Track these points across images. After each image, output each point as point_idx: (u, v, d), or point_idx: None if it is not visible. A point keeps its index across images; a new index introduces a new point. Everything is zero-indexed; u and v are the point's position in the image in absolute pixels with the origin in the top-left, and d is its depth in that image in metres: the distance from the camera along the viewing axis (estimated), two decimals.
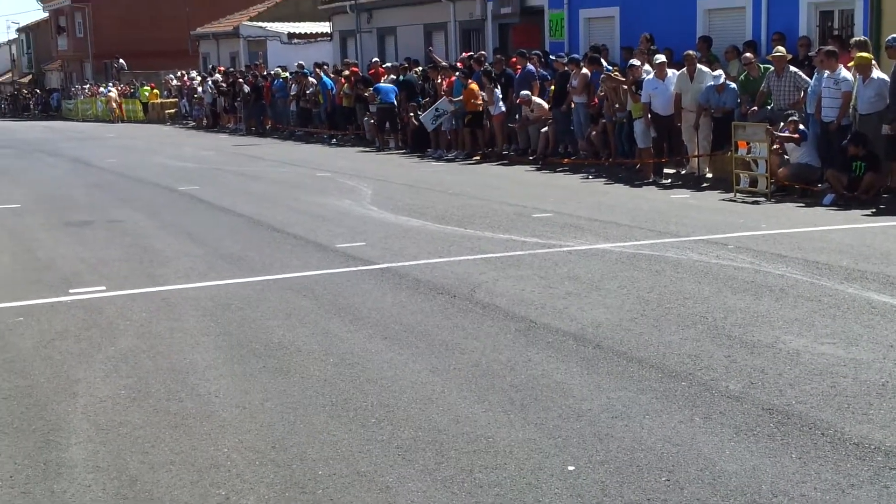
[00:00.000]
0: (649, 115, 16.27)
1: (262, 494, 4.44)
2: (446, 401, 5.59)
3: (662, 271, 8.88)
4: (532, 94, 19.76)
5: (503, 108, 20.60)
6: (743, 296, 7.87)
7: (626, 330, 6.94)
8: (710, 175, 16.01)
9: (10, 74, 78.16)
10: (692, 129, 16.00)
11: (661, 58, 16.46)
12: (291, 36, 40.06)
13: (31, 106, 61.98)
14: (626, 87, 17.01)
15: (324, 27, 38.57)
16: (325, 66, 29.01)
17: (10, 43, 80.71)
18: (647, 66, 17.09)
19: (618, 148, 17.80)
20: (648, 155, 16.64)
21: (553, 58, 20.65)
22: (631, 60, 17.44)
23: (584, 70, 18.66)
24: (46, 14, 66.86)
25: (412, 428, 5.17)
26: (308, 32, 40.19)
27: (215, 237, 11.48)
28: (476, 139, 21.39)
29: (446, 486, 4.47)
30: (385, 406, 5.52)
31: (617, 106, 17.34)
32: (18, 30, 75.14)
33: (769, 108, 14.97)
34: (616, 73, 17.71)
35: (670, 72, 16.25)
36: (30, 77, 71.11)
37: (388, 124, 24.31)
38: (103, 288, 8.80)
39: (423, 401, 5.59)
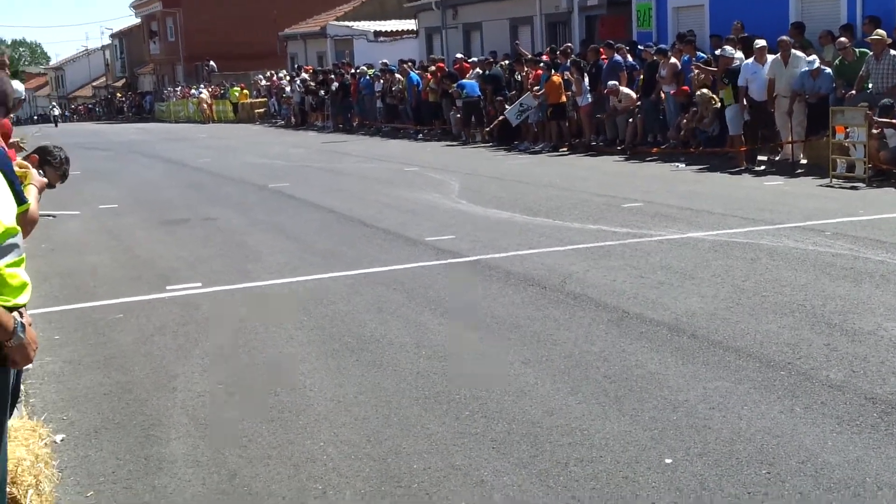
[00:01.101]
0: (744, 101, 15.99)
1: (358, 488, 4.46)
2: (539, 393, 5.55)
3: (758, 259, 8.70)
4: (620, 84, 19.56)
5: (590, 99, 20.43)
6: (842, 283, 7.67)
7: (722, 319, 6.81)
8: (804, 161, 15.66)
9: (104, 79, 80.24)
10: (786, 115, 15.67)
11: (761, 42, 16.12)
12: (377, 34, 40.32)
13: (125, 109, 63.52)
14: (716, 75, 16.75)
15: (409, 24, 38.73)
16: (411, 63, 29.12)
17: (104, 48, 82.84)
18: (738, 54, 16.78)
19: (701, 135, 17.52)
20: (740, 142, 16.33)
21: (641, 48, 20.43)
22: (722, 48, 17.12)
23: (673, 59, 18.43)
24: (139, 20, 68.46)
25: (506, 421, 5.15)
26: (394, 30, 40.40)
27: (306, 233, 11.60)
28: (562, 131, 21.26)
29: (542, 479, 4.44)
30: (478, 399, 5.50)
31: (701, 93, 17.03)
32: (112, 35, 77.05)
33: (868, 91, 14.57)
34: (709, 60, 17.44)
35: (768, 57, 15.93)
36: (123, 81, 72.89)
37: (473, 118, 24.31)
38: (199, 284, 8.96)
39: (516, 393, 5.56)
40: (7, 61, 6.45)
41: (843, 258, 8.54)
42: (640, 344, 6.37)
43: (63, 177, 5.88)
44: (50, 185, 5.94)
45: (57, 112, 62.65)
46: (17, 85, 6.74)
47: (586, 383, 5.66)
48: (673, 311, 7.12)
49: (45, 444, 4.75)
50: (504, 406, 5.36)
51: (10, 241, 2.81)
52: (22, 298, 2.85)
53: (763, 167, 15.81)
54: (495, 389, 5.64)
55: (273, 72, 43.66)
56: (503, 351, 6.40)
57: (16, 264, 2.83)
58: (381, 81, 29.91)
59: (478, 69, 25.16)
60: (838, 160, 13.83)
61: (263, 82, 43.85)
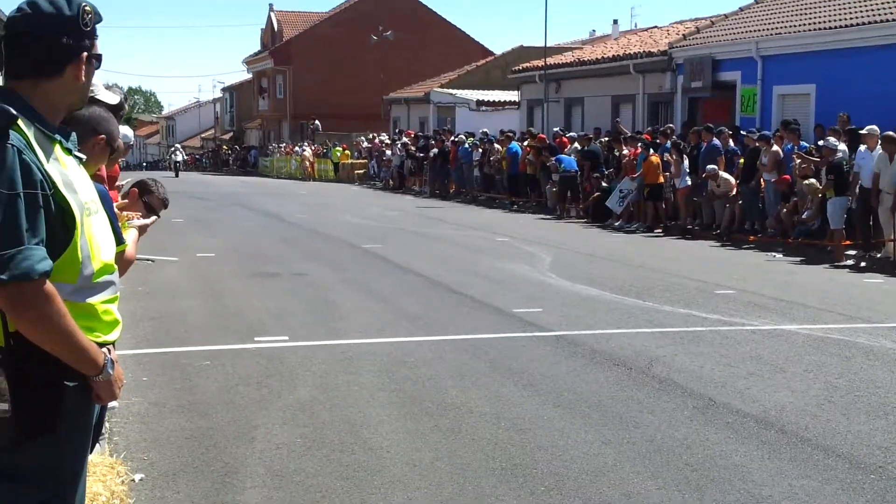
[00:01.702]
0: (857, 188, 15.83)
1: None
2: (618, 475, 5.45)
3: (853, 357, 8.47)
4: (718, 168, 19.41)
5: (689, 182, 20.30)
6: None
7: (812, 416, 6.63)
8: None
9: (213, 131, 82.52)
10: (889, 211, 15.32)
11: (874, 129, 15.87)
12: (480, 103, 40.78)
13: (231, 161, 65.09)
14: (818, 166, 16.53)
15: (512, 95, 39.11)
16: (511, 133, 29.35)
17: (215, 101, 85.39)
18: (842, 146, 16.55)
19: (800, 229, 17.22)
20: (841, 236, 16.01)
21: (744, 133, 20.28)
22: (825, 138, 16.90)
23: (775, 147, 18.25)
24: (250, 75, 70.41)
25: (582, 499, 5.06)
26: (496, 101, 40.83)
27: (395, 295, 11.67)
28: (658, 212, 21.12)
29: None
30: (555, 475, 5.43)
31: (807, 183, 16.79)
32: (223, 89, 79.41)
33: None
34: (811, 150, 17.22)
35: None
36: (231, 134, 74.85)
37: (569, 193, 24.32)
38: (286, 338, 9.07)
39: (594, 472, 5.47)
40: (124, 103, 6.63)
41: None
42: (725, 434, 6.22)
43: (165, 202, 6.01)
44: (154, 212, 6.07)
45: (180, 158, 57.11)
46: (127, 130, 6.95)
47: (667, 469, 5.54)
48: (761, 403, 6.95)
49: (123, 481, 4.83)
50: (581, 485, 5.28)
51: (108, 277, 2.89)
52: (113, 335, 2.91)
53: (863, 264, 15.45)
54: (573, 467, 5.56)
55: (375, 134, 44.41)
56: (584, 429, 6.31)
57: (110, 301, 2.90)
58: (480, 150, 30.18)
59: (576, 144, 25.23)
60: None
61: (365, 144, 44.60)
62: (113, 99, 5.21)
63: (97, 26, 2.87)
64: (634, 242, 18.78)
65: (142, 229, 4.85)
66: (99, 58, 2.91)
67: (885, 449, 5.91)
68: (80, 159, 2.95)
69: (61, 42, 2.79)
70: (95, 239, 2.82)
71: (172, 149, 58.40)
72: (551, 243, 17.70)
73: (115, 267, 2.95)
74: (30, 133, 2.71)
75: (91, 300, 2.82)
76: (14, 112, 2.67)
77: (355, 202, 29.70)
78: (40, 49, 2.78)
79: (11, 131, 2.64)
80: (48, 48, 2.79)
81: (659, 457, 5.76)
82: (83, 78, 2.85)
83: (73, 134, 2.97)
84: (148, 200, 5.66)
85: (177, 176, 48.39)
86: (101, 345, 2.83)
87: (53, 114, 2.85)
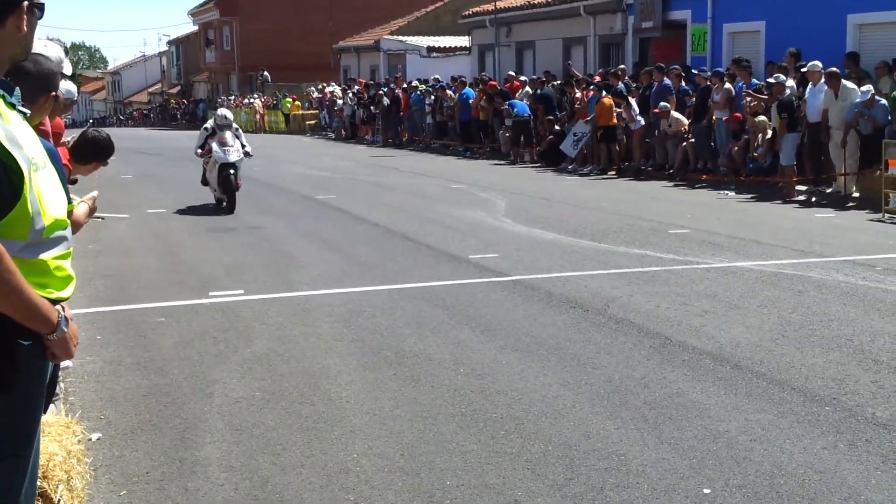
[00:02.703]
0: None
1: (389, 501, 4.43)
2: (577, 416, 5.49)
3: (805, 291, 8.57)
4: (670, 108, 19.44)
5: (642, 123, 20.33)
6: (891, 319, 7.52)
7: (767, 351, 6.70)
8: (857, 195, 15.43)
9: (160, 85, 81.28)
10: (838, 146, 15.47)
11: (816, 64, 15.92)
12: (430, 49, 40.43)
13: (179, 116, 64.22)
14: (767, 103, 16.60)
15: (463, 41, 38.81)
16: (463, 79, 29.16)
17: (161, 55, 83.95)
18: (790, 82, 16.63)
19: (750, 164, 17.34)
20: (792, 172, 16.15)
21: (695, 72, 20.30)
22: (776, 75, 16.96)
23: (727, 85, 18.29)
24: (196, 27, 69.26)
25: (542, 442, 5.09)
26: (447, 46, 40.49)
27: (350, 245, 11.62)
28: (611, 154, 21.16)
29: (576, 502, 4.38)
30: (515, 418, 5.45)
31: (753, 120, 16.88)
32: (169, 42, 78.06)
33: None
34: (761, 87, 17.30)
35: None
36: (178, 88, 73.76)
37: (523, 138, 24.27)
38: (241, 292, 8.99)
39: (553, 415, 5.50)
40: (63, 59, 6.46)
41: (893, 294, 8.38)
42: (681, 372, 6.28)
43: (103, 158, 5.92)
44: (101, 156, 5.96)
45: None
46: (70, 86, 6.80)
47: (625, 409, 5.58)
48: (717, 340, 7.02)
49: (79, 441, 4.77)
50: (541, 427, 5.30)
51: (59, 233, 2.83)
52: (66, 292, 2.86)
53: (814, 199, 15.61)
54: (533, 410, 5.58)
55: (325, 84, 43.96)
56: (542, 372, 6.34)
57: (63, 257, 2.84)
58: (433, 97, 29.98)
59: (528, 88, 25.13)
60: (891, 194, 13.61)
61: (315, 94, 44.16)
62: (55, 53, 5.08)
63: None
64: (588, 185, 18.83)
65: (92, 208, 4.77)
66: (41, 7, 2.83)
67: (839, 381, 6.00)
68: (24, 114, 2.87)
69: None
70: (44, 194, 2.76)
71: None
72: (506, 188, 17.69)
73: (68, 222, 2.90)
74: None
75: (43, 256, 2.77)
76: None
77: (307, 153, 29.46)
78: None
79: None
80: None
81: (617, 397, 5.80)
82: (24, 28, 2.76)
83: (17, 88, 2.89)
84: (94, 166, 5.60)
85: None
86: (55, 301, 2.79)
87: (2, 67, 2.78)
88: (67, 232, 2.89)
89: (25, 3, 2.75)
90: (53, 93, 3.83)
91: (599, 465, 4.77)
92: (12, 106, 2.80)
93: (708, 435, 5.13)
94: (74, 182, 5.83)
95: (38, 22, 2.86)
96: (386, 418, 5.51)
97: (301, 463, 4.88)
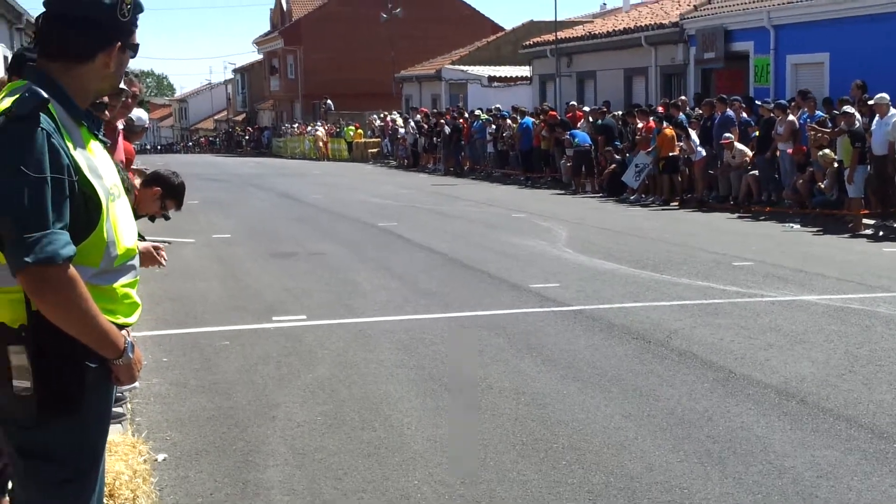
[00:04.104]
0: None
1: None
2: (639, 448, 5.44)
3: (873, 327, 8.42)
4: (734, 139, 19.29)
5: (703, 153, 20.19)
6: None
7: (833, 386, 6.60)
8: None
9: (225, 113, 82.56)
10: None
11: (884, 97, 15.70)
12: (492, 79, 40.62)
13: (244, 143, 65.13)
14: (831, 136, 16.42)
15: (524, 71, 38.94)
16: (523, 108, 29.23)
17: (226, 83, 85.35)
18: (858, 114, 16.42)
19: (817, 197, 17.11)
20: (859, 205, 15.92)
21: (759, 103, 20.12)
22: (844, 108, 16.74)
23: (791, 117, 18.12)
24: (261, 56, 70.32)
25: (604, 473, 5.05)
26: (508, 76, 40.66)
27: (412, 272, 11.67)
28: (674, 184, 21.03)
29: None
30: (576, 449, 5.42)
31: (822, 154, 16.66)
32: (234, 70, 79.32)
33: None
34: (825, 120, 17.11)
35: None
36: (243, 115, 74.86)
37: (584, 167, 24.23)
38: (304, 317, 9.08)
39: (615, 446, 5.47)
40: (139, 93, 6.67)
41: None
42: (746, 406, 6.20)
43: (178, 205, 6.06)
44: (165, 216, 6.11)
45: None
46: (141, 113, 6.96)
47: (688, 442, 5.53)
48: (782, 374, 6.92)
49: (145, 461, 4.86)
50: (602, 458, 5.27)
51: (129, 262, 2.90)
52: (132, 318, 2.92)
53: (881, 233, 15.36)
54: (594, 441, 5.55)
55: (387, 113, 44.32)
56: (604, 403, 6.30)
57: (131, 285, 2.91)
58: (493, 126, 30.08)
59: (589, 118, 25.11)
60: None
61: (378, 122, 44.53)
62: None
63: (137, 17, 2.87)
64: (650, 216, 18.72)
65: (148, 250, 4.80)
66: (135, 48, 2.91)
67: None
68: (105, 143, 2.95)
69: (97, 29, 2.78)
70: (119, 223, 2.83)
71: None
72: (567, 218, 17.65)
73: (137, 251, 2.96)
74: (59, 116, 2.72)
75: (113, 283, 2.83)
76: (46, 95, 2.68)
77: (370, 181, 29.69)
78: (75, 33, 2.77)
79: (42, 114, 2.64)
80: (84, 33, 2.77)
81: (680, 429, 5.75)
82: (112, 67, 2.84)
83: (101, 119, 2.98)
84: (166, 206, 5.72)
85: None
86: (121, 327, 2.84)
87: (83, 98, 2.85)
88: (136, 261, 2.95)
89: (119, 43, 2.82)
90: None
91: (662, 497, 4.73)
92: (95, 136, 2.87)
93: (773, 470, 5.06)
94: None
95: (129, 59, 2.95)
96: (446, 446, 5.52)
97: (362, 488, 4.91)
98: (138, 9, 2.85)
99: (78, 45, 2.78)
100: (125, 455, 4.70)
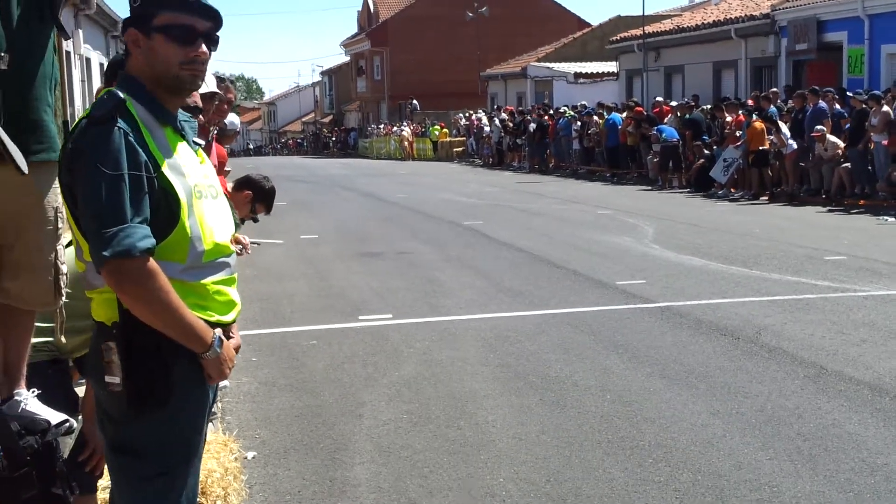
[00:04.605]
0: None
1: None
2: (728, 445, 5.37)
3: None
4: (826, 131, 18.87)
5: (794, 146, 19.79)
6: None
7: None
8: None
9: (313, 115, 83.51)
10: None
11: None
12: (578, 76, 40.36)
13: (331, 144, 65.85)
14: None
15: (610, 66, 38.63)
16: (614, 105, 29.00)
17: (314, 85, 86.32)
18: None
19: None
20: None
21: (850, 94, 19.64)
22: None
23: (886, 108, 17.64)
24: (348, 58, 70.98)
25: (691, 471, 5.00)
26: (594, 72, 40.36)
27: (497, 270, 11.68)
28: (763, 178, 20.65)
29: None
30: (663, 446, 5.37)
31: None
32: (322, 73, 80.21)
33: None
34: None
35: None
36: (330, 117, 75.65)
37: (671, 163, 23.95)
38: (390, 316, 9.15)
39: (702, 443, 5.40)
40: (234, 99, 6.83)
41: None
42: (837, 402, 6.07)
43: (268, 209, 6.19)
44: (254, 219, 6.25)
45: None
46: (233, 117, 7.10)
47: (778, 439, 5.44)
48: (875, 370, 6.76)
49: (236, 458, 4.95)
50: (690, 456, 5.21)
51: (222, 259, 2.93)
52: (228, 316, 2.96)
53: None
54: (681, 439, 5.49)
55: (472, 111, 44.36)
56: (691, 400, 6.23)
57: (225, 282, 2.95)
58: (579, 123, 29.90)
59: (677, 112, 24.80)
60: None
61: (463, 122, 44.60)
62: (205, 87, 5.38)
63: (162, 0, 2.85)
64: (740, 210, 18.42)
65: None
66: (169, 30, 2.82)
67: None
68: (199, 145, 3.02)
69: (125, 21, 2.90)
70: (207, 221, 2.87)
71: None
72: (654, 214, 17.47)
73: (232, 249, 3.00)
74: (141, 116, 2.80)
75: (203, 280, 2.88)
76: (122, 96, 2.79)
77: (455, 180, 29.76)
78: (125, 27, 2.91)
79: (120, 114, 2.74)
80: (124, 27, 2.91)
81: (769, 427, 5.66)
82: (158, 53, 2.82)
83: (194, 121, 3.05)
84: (256, 209, 5.86)
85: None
86: (216, 324, 2.89)
87: (162, 94, 2.88)
88: (231, 259, 2.99)
89: (131, 29, 2.86)
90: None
91: (751, 496, 4.66)
92: (182, 137, 2.94)
93: (865, 468, 4.95)
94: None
95: (212, 54, 2.96)
96: (532, 444, 5.52)
97: (448, 486, 4.94)
98: None
99: (125, 39, 2.91)
100: (217, 453, 4.80)
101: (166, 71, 2.86)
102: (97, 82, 23.97)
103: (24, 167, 2.99)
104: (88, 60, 23.00)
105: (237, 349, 3.03)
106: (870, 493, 4.63)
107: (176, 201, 2.79)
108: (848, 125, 18.95)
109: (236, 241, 5.00)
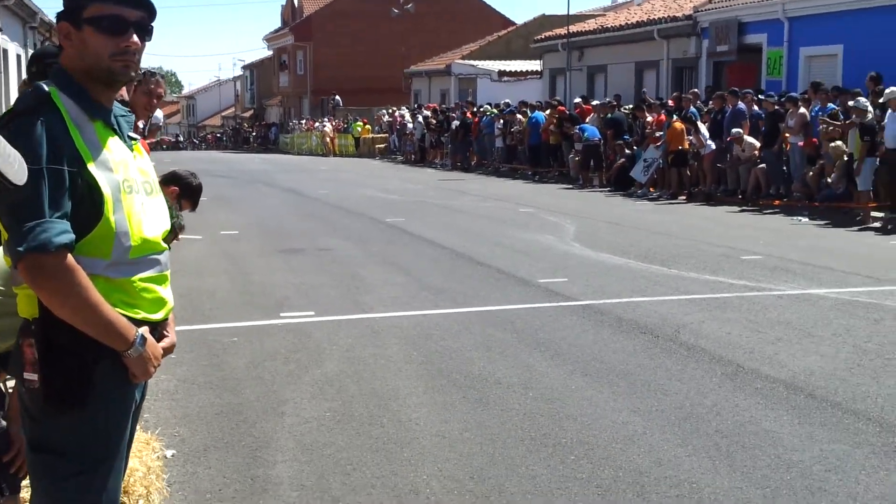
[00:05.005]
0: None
1: None
2: (648, 442, 5.44)
3: (882, 320, 8.40)
4: (743, 132, 19.25)
5: (713, 147, 20.15)
6: None
7: (842, 380, 6.58)
8: None
9: (233, 109, 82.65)
10: None
11: (894, 90, 15.66)
12: (502, 74, 40.61)
13: (251, 139, 65.21)
14: (843, 129, 16.34)
15: (534, 65, 38.91)
16: (539, 103, 29.19)
17: (235, 79, 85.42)
18: (869, 106, 16.36)
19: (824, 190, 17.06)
20: (868, 198, 15.87)
21: (761, 97, 20.04)
22: (856, 99, 16.65)
23: (802, 109, 18.05)
24: (270, 52, 70.39)
25: (612, 468, 5.05)
26: (518, 70, 40.63)
27: (419, 268, 11.67)
28: (682, 178, 21.00)
29: None
30: (585, 444, 5.42)
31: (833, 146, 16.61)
32: (244, 67, 79.39)
33: None
34: (837, 112, 17.04)
35: None
36: (251, 112, 74.94)
37: (592, 162, 24.21)
38: (312, 313, 9.09)
39: (623, 440, 5.46)
40: (163, 94, 6.67)
41: None
42: (754, 400, 6.20)
43: (194, 206, 6.09)
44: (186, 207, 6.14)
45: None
46: (157, 112, 6.98)
47: (697, 436, 5.53)
48: (790, 368, 6.91)
49: (158, 457, 4.87)
50: (611, 453, 5.27)
51: (151, 256, 2.87)
52: (157, 315, 2.90)
53: (890, 226, 15.31)
54: (603, 436, 5.55)
55: (395, 108, 44.33)
56: (612, 398, 6.30)
57: (153, 280, 2.88)
58: (502, 121, 30.06)
59: (599, 112, 25.08)
60: None
61: (386, 118, 44.55)
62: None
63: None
64: (659, 210, 18.70)
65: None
66: (97, 22, 2.76)
67: None
68: (133, 139, 2.95)
69: (58, 14, 2.82)
70: (136, 216, 2.81)
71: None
72: (575, 213, 17.64)
73: (164, 247, 2.94)
74: (69, 110, 2.74)
75: (130, 276, 2.82)
76: (47, 89, 2.72)
77: (377, 176, 29.70)
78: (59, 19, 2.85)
79: (43, 108, 2.68)
80: (59, 18, 2.84)
81: (688, 424, 5.74)
82: (70, 46, 2.79)
83: (132, 116, 2.98)
84: (182, 206, 5.76)
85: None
86: (144, 322, 2.83)
87: (94, 90, 2.82)
88: (162, 256, 2.92)
89: (62, 22, 2.80)
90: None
91: (671, 492, 4.73)
92: (114, 131, 2.87)
93: (781, 464, 5.05)
94: None
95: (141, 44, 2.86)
96: (455, 441, 5.52)
97: (371, 483, 4.92)
98: None
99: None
100: (139, 451, 4.70)
101: (97, 63, 2.79)
102: (14, 74, 23.40)
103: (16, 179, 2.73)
104: (6, 52, 22.43)
105: (171, 348, 2.98)
106: (786, 489, 4.73)
107: (100, 196, 2.72)
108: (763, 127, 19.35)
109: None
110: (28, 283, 2.67)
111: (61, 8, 2.82)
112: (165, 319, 2.96)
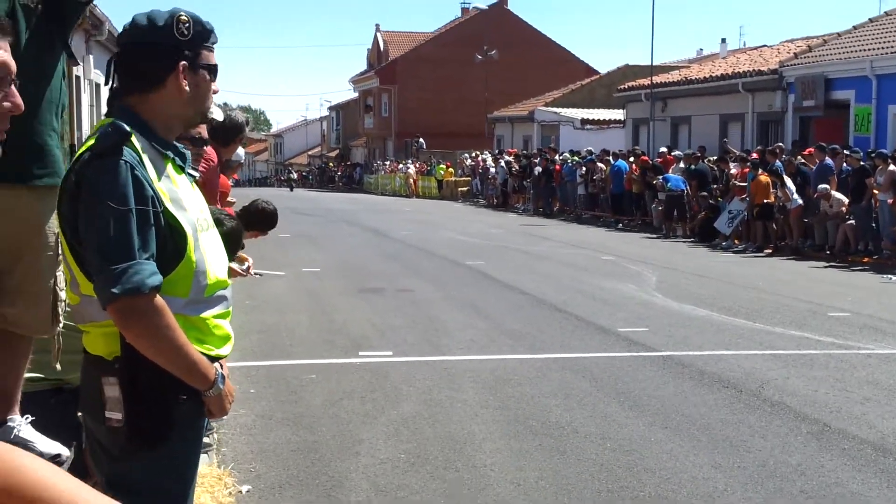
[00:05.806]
0: None
1: None
2: (728, 500, 5.30)
3: None
4: (830, 188, 18.89)
5: (800, 202, 19.81)
6: None
7: None
8: None
9: (319, 148, 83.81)
10: None
11: None
12: (584, 122, 40.53)
13: (336, 178, 66.04)
14: None
15: (617, 114, 38.78)
16: (620, 151, 29.08)
17: (321, 119, 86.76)
18: None
19: None
20: None
21: (847, 153, 19.65)
22: None
23: (892, 167, 17.67)
24: (356, 94, 71.35)
25: None
26: (601, 119, 40.53)
27: (498, 312, 11.62)
28: (767, 231, 20.65)
29: None
30: (663, 498, 5.30)
31: None
32: (330, 108, 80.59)
33: None
34: None
35: None
36: (337, 151, 75.92)
37: (676, 212, 23.96)
38: (390, 353, 9.09)
39: (703, 496, 5.33)
40: (244, 125, 6.73)
41: None
42: (841, 461, 6.00)
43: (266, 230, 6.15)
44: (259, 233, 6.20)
45: (294, 176, 69.51)
46: (238, 150, 7.08)
47: (781, 496, 5.36)
48: (879, 429, 6.69)
49: (230, 493, 4.89)
50: None
51: (220, 292, 2.89)
52: (224, 350, 2.92)
53: None
54: (682, 491, 5.42)
55: (478, 152, 44.50)
56: (692, 452, 6.16)
57: (222, 316, 2.91)
58: (584, 168, 29.97)
59: (682, 163, 24.86)
60: None
61: (469, 162, 44.72)
62: (217, 116, 5.39)
63: (205, 37, 2.84)
64: (743, 263, 18.39)
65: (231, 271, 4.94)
66: (210, 68, 2.86)
67: None
68: (192, 177, 2.97)
69: (159, 52, 2.78)
70: (209, 255, 2.83)
71: (288, 171, 72.33)
72: (657, 262, 17.44)
73: (228, 283, 2.96)
74: (142, 149, 2.74)
75: (203, 314, 2.83)
76: (128, 128, 2.71)
77: (458, 219, 29.77)
78: (142, 61, 2.80)
79: (125, 147, 2.68)
80: (148, 58, 2.79)
81: (772, 483, 5.58)
82: (187, 88, 2.80)
83: (188, 153, 3.00)
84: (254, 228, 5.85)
85: (291, 191, 56.56)
86: (213, 359, 2.84)
87: (167, 128, 2.86)
88: (228, 292, 2.95)
89: (183, 63, 2.79)
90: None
91: None
92: (181, 169, 2.89)
93: None
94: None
95: (214, 85, 2.93)
96: (530, 489, 5.44)
97: None
98: (198, 27, 2.81)
99: (146, 71, 2.80)
100: (211, 487, 4.74)
101: (201, 106, 2.88)
102: (105, 107, 24.05)
103: None
104: (98, 86, 23.09)
105: None
106: None
107: (182, 236, 2.74)
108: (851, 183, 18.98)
109: (240, 260, 4.96)
110: (118, 323, 2.67)
111: (174, 46, 2.80)
112: (229, 354, 2.98)
